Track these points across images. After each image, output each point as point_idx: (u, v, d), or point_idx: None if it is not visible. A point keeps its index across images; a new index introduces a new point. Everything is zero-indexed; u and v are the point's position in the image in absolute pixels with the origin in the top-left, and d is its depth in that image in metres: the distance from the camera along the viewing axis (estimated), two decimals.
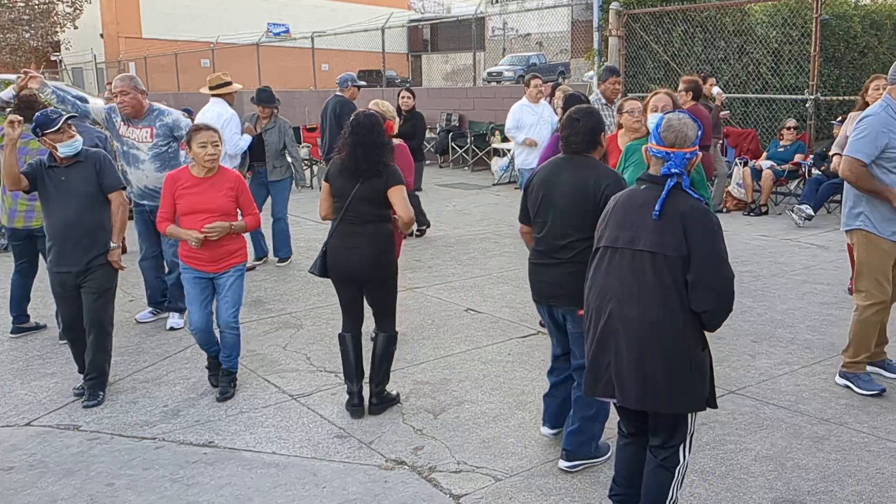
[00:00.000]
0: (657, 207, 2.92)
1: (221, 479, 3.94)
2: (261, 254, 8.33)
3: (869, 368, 4.91)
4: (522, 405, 4.69)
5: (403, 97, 9.60)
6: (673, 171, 2.98)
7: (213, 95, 7.53)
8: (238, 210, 4.90)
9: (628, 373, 2.96)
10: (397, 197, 4.41)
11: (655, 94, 4.87)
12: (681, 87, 7.81)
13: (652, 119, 4.75)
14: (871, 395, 4.64)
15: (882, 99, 4.60)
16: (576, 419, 3.88)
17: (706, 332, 3.04)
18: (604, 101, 7.09)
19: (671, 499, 3.14)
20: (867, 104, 5.79)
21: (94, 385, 4.90)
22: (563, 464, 3.89)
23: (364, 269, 4.48)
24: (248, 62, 18.24)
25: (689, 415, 3.08)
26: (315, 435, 4.41)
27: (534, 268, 3.92)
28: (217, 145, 4.74)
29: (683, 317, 2.91)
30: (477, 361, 5.40)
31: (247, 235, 5.33)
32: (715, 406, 3.14)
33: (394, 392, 4.81)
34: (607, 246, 3.07)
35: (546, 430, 4.23)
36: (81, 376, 5.03)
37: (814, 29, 10.62)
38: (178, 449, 4.28)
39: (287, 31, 31.57)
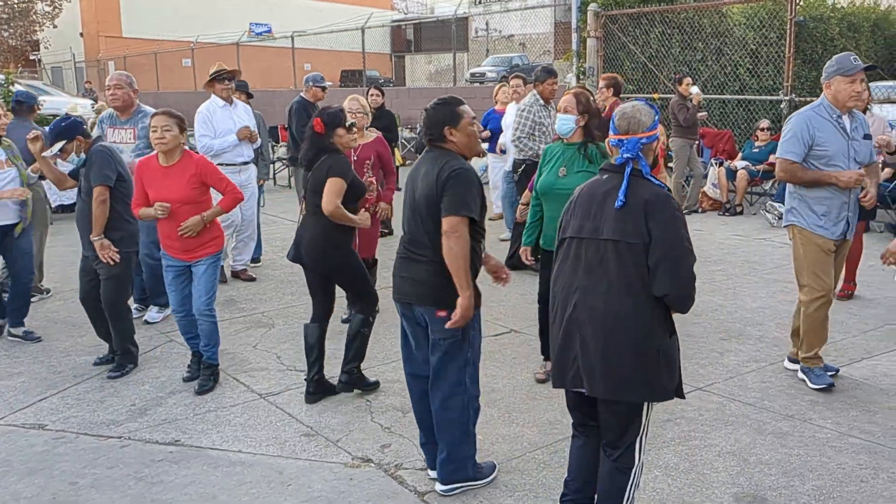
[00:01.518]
0: (621, 196, 2.91)
1: (186, 478, 3.93)
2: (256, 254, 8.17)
3: (794, 367, 4.99)
4: (491, 402, 4.70)
5: (372, 95, 9.61)
6: (626, 155, 2.98)
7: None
8: (213, 196, 4.97)
9: (596, 363, 2.94)
10: (327, 187, 4.53)
11: (565, 94, 4.86)
12: (601, 83, 7.86)
13: (560, 121, 4.74)
14: (822, 389, 4.71)
15: (821, 97, 4.71)
16: (442, 446, 3.67)
17: (676, 318, 3.03)
18: (542, 102, 7.09)
19: (628, 500, 3.10)
20: None
21: (122, 359, 5.34)
22: (439, 487, 3.71)
23: (311, 256, 4.70)
24: (229, 62, 18.14)
25: (645, 409, 3.04)
26: (282, 433, 4.40)
27: (397, 262, 3.73)
28: (169, 130, 4.74)
29: (649, 305, 2.90)
30: None
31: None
32: (682, 396, 3.07)
33: (371, 379, 4.90)
34: (573, 237, 3.05)
35: (433, 473, 3.83)
36: (47, 378, 5.06)
37: (788, 30, 10.70)
38: (144, 448, 4.26)
39: (269, 31, 31.45)
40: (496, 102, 9.35)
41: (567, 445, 4.09)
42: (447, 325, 3.48)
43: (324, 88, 9.09)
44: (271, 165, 14.40)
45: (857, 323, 5.95)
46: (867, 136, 4.74)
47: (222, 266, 7.23)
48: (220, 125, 7.22)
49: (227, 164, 7.10)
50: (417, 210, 3.55)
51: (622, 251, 2.90)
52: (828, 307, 4.80)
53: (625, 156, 2.99)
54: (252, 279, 7.60)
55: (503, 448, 4.16)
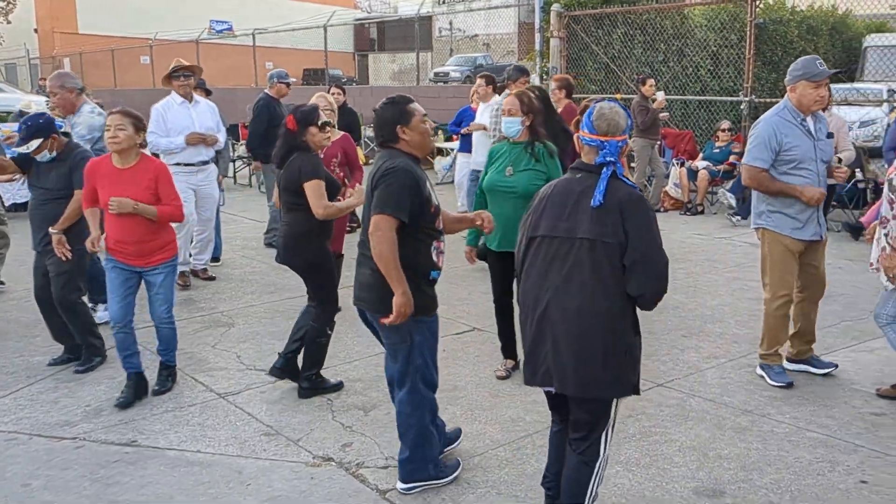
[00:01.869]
0: (599, 197, 2.91)
1: (143, 479, 3.85)
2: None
3: (796, 367, 5.01)
4: (454, 400, 4.68)
5: (334, 93, 9.54)
6: (608, 158, 2.99)
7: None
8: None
9: (567, 361, 2.94)
10: (308, 192, 4.48)
11: (508, 96, 4.86)
12: (553, 85, 7.92)
13: (505, 123, 4.74)
14: (780, 387, 4.76)
15: (782, 100, 4.75)
16: (404, 446, 3.66)
17: (640, 315, 3.07)
18: None
19: (591, 494, 3.12)
20: None
21: (87, 352, 5.28)
22: (399, 485, 3.69)
23: (283, 255, 4.68)
24: (189, 59, 17.95)
25: (614, 405, 3.07)
26: (242, 433, 4.34)
27: (356, 265, 3.67)
28: (122, 129, 4.55)
29: (620, 303, 2.93)
30: None
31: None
32: (638, 392, 3.08)
33: (334, 380, 4.86)
34: (545, 235, 3.04)
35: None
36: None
37: (748, 33, 10.85)
38: (99, 449, 4.17)
39: (230, 29, 31.10)
40: (472, 101, 9.31)
41: (529, 443, 4.14)
42: (385, 321, 3.44)
43: (288, 84, 9.00)
44: (231, 164, 14.26)
45: (816, 319, 6.01)
46: (830, 135, 4.79)
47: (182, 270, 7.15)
48: (175, 123, 7.02)
49: (184, 164, 6.98)
50: (367, 212, 3.52)
51: (597, 250, 2.91)
52: (789, 307, 4.85)
53: (608, 159, 2.99)
54: (212, 278, 7.50)
55: (466, 445, 4.14)
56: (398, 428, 3.70)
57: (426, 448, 3.67)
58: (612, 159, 2.99)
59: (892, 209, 4.29)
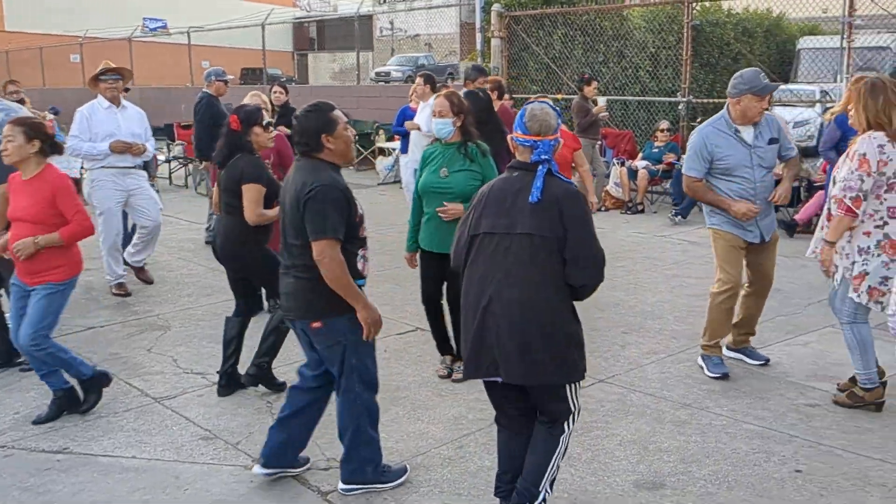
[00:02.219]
0: (537, 193, 3.02)
1: (75, 486, 3.73)
2: None
3: (732, 355, 5.14)
4: (396, 401, 4.65)
5: (276, 92, 9.44)
6: (543, 157, 3.10)
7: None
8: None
9: (512, 351, 3.03)
10: (245, 195, 4.44)
11: (438, 96, 4.86)
12: (486, 86, 7.98)
13: (436, 125, 4.74)
14: (716, 378, 4.87)
15: (723, 110, 4.88)
16: (343, 446, 3.64)
17: (580, 314, 3.17)
18: None
19: (553, 466, 3.21)
20: None
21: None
22: (340, 486, 3.66)
23: (225, 255, 4.65)
24: (121, 58, 17.48)
25: (568, 389, 3.16)
26: (178, 438, 4.23)
27: (280, 276, 3.63)
28: (11, 140, 4.22)
29: (560, 294, 3.05)
30: None
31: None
32: (584, 371, 3.19)
33: (280, 380, 4.77)
34: (486, 232, 3.12)
35: (259, 469, 3.71)
36: None
37: (686, 34, 11.05)
38: (30, 457, 4.03)
39: (164, 27, 30.42)
40: (411, 101, 9.24)
41: (472, 441, 4.13)
42: (315, 325, 3.45)
43: (226, 82, 8.85)
44: (167, 164, 13.98)
45: (759, 314, 6.12)
46: (773, 141, 4.87)
47: (118, 283, 6.91)
48: (101, 128, 6.69)
49: (109, 167, 6.74)
50: (288, 224, 3.46)
51: (536, 244, 3.02)
52: (734, 300, 4.95)
53: (542, 157, 3.10)
54: (150, 281, 7.30)
55: (409, 445, 4.11)
56: (338, 428, 3.65)
57: (363, 449, 3.63)
58: (546, 157, 3.11)
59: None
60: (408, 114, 9.03)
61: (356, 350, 3.52)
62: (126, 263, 7.18)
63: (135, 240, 7.24)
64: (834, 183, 4.38)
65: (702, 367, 5.01)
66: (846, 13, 9.40)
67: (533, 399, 3.21)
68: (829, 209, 4.41)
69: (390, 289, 6.86)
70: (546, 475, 3.20)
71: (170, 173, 13.96)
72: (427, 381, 4.96)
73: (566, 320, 3.08)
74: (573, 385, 3.17)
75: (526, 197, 3.05)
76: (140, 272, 7.30)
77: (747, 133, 4.78)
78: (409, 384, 4.91)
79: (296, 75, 33.42)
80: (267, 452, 3.71)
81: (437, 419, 4.42)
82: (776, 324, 5.94)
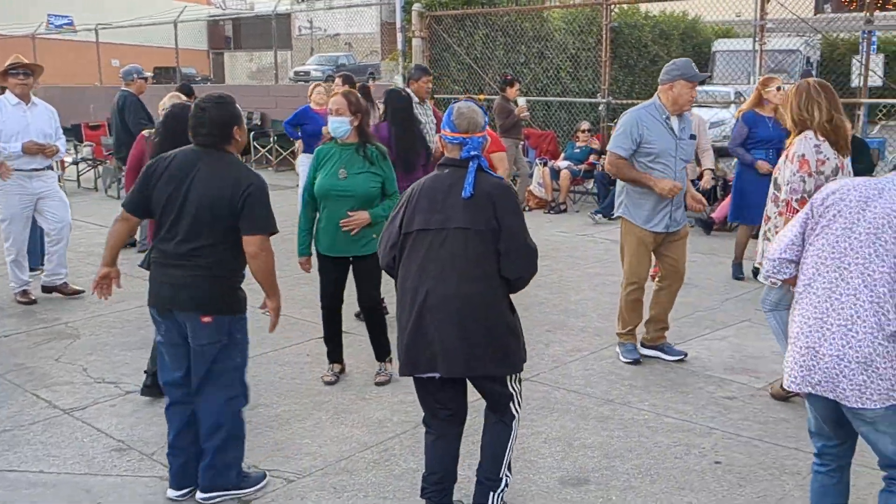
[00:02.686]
0: (469, 188, 3.08)
1: None
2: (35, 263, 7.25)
3: (649, 353, 5.22)
4: (319, 405, 4.56)
5: (176, 97, 9.19)
6: (472, 153, 3.16)
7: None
8: None
9: (452, 343, 3.06)
10: None
11: (334, 94, 4.80)
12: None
13: (333, 123, 4.63)
14: (629, 363, 5.07)
15: (654, 97, 4.97)
16: (207, 452, 3.52)
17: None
18: (416, 100, 7.06)
19: (509, 451, 3.28)
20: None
21: None
22: (199, 495, 3.56)
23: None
24: (24, 56, 16.88)
25: (509, 379, 3.23)
26: (90, 450, 4.05)
27: (155, 267, 3.51)
28: None
29: (496, 286, 3.12)
30: (274, 364, 5.22)
31: None
32: (524, 359, 3.29)
33: None
34: (420, 229, 3.15)
35: (173, 493, 3.60)
36: None
37: (605, 36, 11.22)
38: None
39: (70, 24, 29.25)
40: (311, 101, 9.09)
41: (398, 443, 4.08)
42: (205, 319, 3.39)
43: (146, 80, 8.61)
44: (74, 166, 13.47)
45: (670, 309, 6.25)
46: (693, 137, 5.04)
47: (22, 290, 6.55)
48: (8, 126, 6.36)
49: (16, 170, 6.41)
50: (198, 215, 3.36)
51: (471, 238, 3.08)
52: (640, 293, 5.10)
53: (471, 153, 3.16)
54: (79, 292, 6.84)
55: (332, 450, 4.03)
56: (206, 432, 3.51)
57: (232, 451, 3.56)
58: (475, 153, 3.17)
59: (776, 207, 4.47)
60: (309, 114, 8.89)
61: (243, 348, 3.55)
62: (48, 290, 6.79)
63: (47, 254, 6.80)
64: (775, 184, 4.48)
65: (618, 354, 5.17)
66: (758, 17, 9.69)
67: (478, 390, 3.27)
68: (767, 212, 4.51)
69: (310, 291, 6.72)
70: (504, 462, 3.27)
71: (78, 175, 13.44)
72: (350, 384, 4.88)
73: (504, 311, 3.15)
74: (514, 375, 3.25)
75: (458, 192, 3.10)
76: (65, 288, 6.85)
77: (675, 123, 4.88)
78: (331, 388, 4.82)
79: (211, 74, 32.66)
80: (173, 474, 3.60)
81: (360, 423, 4.35)
82: (694, 319, 6.06)
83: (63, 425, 4.33)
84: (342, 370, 4.99)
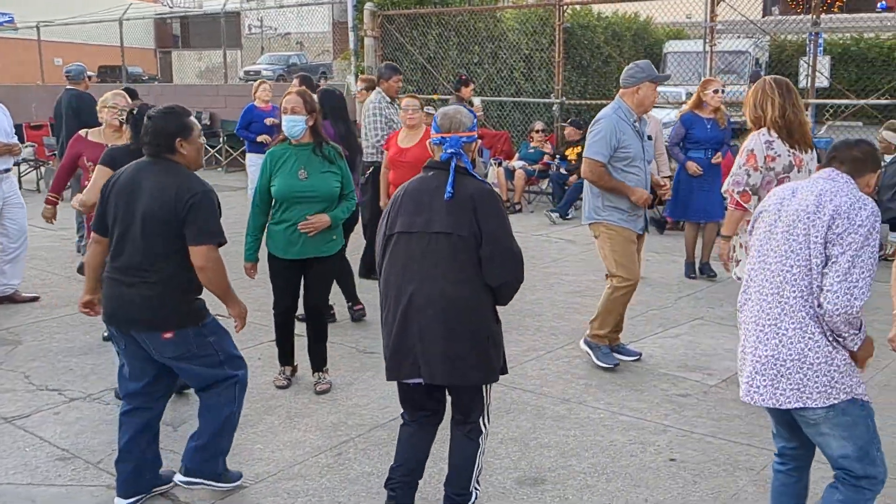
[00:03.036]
0: (449, 189, 3.03)
1: None
2: None
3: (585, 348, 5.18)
4: (271, 410, 4.47)
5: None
6: (449, 150, 3.12)
7: None
8: None
9: (434, 350, 3.02)
10: None
11: (289, 93, 4.68)
12: (361, 85, 8.10)
13: (288, 122, 4.51)
14: (608, 368, 4.96)
15: (614, 101, 4.94)
16: (204, 434, 3.53)
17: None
18: (388, 99, 7.00)
19: (477, 466, 3.26)
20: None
21: None
22: (179, 477, 3.58)
23: None
24: None
25: (485, 389, 3.20)
26: (33, 459, 3.92)
27: (108, 286, 3.41)
28: None
29: (480, 292, 3.06)
30: None
31: None
32: (505, 372, 3.25)
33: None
34: (402, 231, 3.11)
35: (121, 502, 3.50)
36: None
37: (558, 37, 11.26)
38: None
39: (11, 21, 28.38)
40: (255, 99, 8.95)
41: (352, 447, 4.03)
42: (166, 336, 3.34)
43: (90, 79, 8.41)
44: (16, 167, 13.06)
45: (625, 311, 6.27)
46: (650, 138, 5.07)
47: None
48: None
49: None
50: (145, 228, 3.30)
51: (454, 243, 3.02)
52: (632, 293, 5.03)
53: (448, 151, 3.12)
54: (35, 299, 6.60)
55: (285, 455, 3.96)
56: (202, 416, 3.53)
57: (225, 439, 3.59)
58: (452, 150, 3.12)
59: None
60: (254, 113, 8.77)
61: (218, 345, 3.49)
62: None
63: (4, 264, 6.53)
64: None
65: (589, 354, 5.08)
66: (708, 18, 9.82)
67: (451, 395, 3.23)
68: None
69: (262, 294, 6.60)
70: (473, 476, 3.25)
71: (20, 177, 13.04)
72: (303, 388, 4.80)
73: (487, 319, 3.10)
74: (490, 385, 3.22)
75: (442, 195, 3.05)
76: (16, 295, 6.59)
77: (640, 126, 4.89)
78: (283, 392, 4.73)
79: (159, 74, 32.00)
80: (122, 482, 3.50)
81: (314, 426, 4.28)
82: (648, 318, 6.10)
83: (4, 434, 4.18)
84: (293, 372, 4.90)
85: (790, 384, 2.68)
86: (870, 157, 2.84)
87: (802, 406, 2.68)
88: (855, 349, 2.68)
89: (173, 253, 3.29)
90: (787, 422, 2.89)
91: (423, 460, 3.33)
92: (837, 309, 2.57)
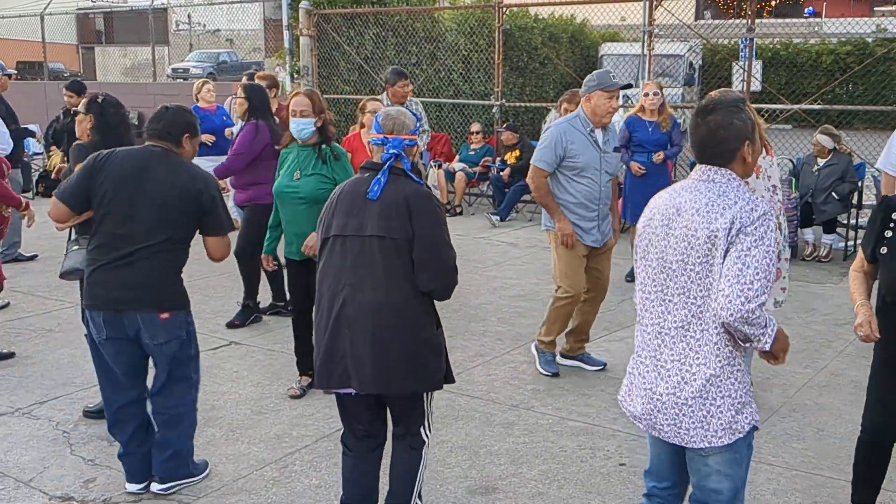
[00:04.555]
0: (375, 188, 2.97)
1: None
2: None
3: (569, 363, 5.16)
4: (212, 421, 4.32)
5: (67, 95, 8.67)
6: (391, 151, 3.05)
7: None
8: None
9: (365, 358, 2.94)
10: None
11: (297, 94, 4.68)
12: (264, 83, 7.90)
13: (297, 125, 4.51)
14: (548, 376, 4.97)
15: (577, 108, 4.94)
16: (167, 444, 3.56)
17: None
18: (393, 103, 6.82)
19: (419, 479, 3.18)
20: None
21: None
22: (156, 487, 3.58)
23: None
24: None
25: (425, 395, 3.12)
26: None
27: (103, 270, 3.41)
28: None
29: (415, 297, 2.99)
30: None
31: None
32: (452, 381, 3.19)
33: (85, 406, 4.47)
34: (336, 234, 3.04)
35: (133, 487, 3.61)
36: None
37: (496, 38, 11.25)
38: None
39: None
40: (198, 100, 8.71)
41: (298, 459, 3.93)
42: (163, 316, 3.44)
43: (10, 77, 8.06)
44: None
45: (593, 321, 6.24)
46: (616, 150, 5.03)
47: None
48: None
49: None
50: (162, 212, 3.42)
51: (387, 246, 2.95)
52: (575, 304, 4.99)
53: (390, 151, 3.05)
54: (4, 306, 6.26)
55: (228, 468, 3.83)
56: (166, 423, 3.56)
57: (189, 440, 3.68)
58: (394, 151, 3.05)
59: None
60: (199, 114, 8.56)
61: (195, 340, 3.64)
62: None
63: None
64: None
65: (535, 359, 5.07)
66: (646, 22, 9.93)
67: (390, 408, 3.16)
68: None
69: (200, 300, 6.41)
70: (414, 490, 3.17)
71: None
72: (245, 398, 4.65)
73: (421, 325, 3.01)
74: (429, 394, 3.14)
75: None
76: None
77: (599, 136, 4.85)
78: (225, 403, 4.59)
79: (81, 70, 30.90)
80: (135, 472, 3.63)
81: (258, 439, 4.15)
82: (596, 322, 6.10)
83: None
84: (311, 384, 4.65)
85: (692, 422, 2.49)
86: (732, 134, 2.48)
87: (708, 446, 2.49)
88: (767, 348, 2.44)
89: (179, 239, 3.47)
90: (678, 461, 2.67)
91: (375, 488, 3.24)
92: (732, 314, 2.34)
